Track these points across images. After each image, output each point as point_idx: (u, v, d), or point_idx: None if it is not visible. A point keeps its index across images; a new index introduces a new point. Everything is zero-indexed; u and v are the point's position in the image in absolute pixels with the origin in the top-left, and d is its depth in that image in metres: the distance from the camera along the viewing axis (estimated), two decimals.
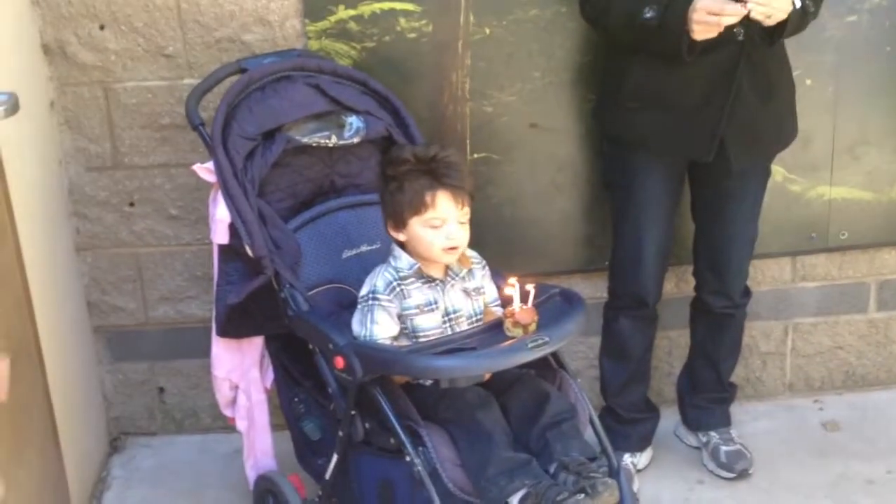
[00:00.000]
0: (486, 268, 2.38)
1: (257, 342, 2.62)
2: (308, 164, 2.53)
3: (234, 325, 2.51)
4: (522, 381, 2.28)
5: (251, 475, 2.73)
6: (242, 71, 2.54)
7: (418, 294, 2.26)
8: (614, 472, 2.23)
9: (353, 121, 2.54)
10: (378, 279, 2.26)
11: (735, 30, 2.44)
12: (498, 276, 2.38)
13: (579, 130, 2.94)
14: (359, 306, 2.27)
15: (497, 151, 2.94)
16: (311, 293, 2.41)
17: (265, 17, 2.81)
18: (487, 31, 2.83)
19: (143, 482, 3.01)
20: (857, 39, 2.92)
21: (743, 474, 2.93)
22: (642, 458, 3.00)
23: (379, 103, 2.60)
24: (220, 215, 2.40)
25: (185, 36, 2.82)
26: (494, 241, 2.86)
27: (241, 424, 2.70)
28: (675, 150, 2.67)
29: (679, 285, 3.12)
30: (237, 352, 2.62)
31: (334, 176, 2.57)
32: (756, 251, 2.88)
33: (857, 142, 3.04)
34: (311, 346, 2.35)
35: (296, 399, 2.55)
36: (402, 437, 2.14)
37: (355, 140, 2.54)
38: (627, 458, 2.93)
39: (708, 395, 3.02)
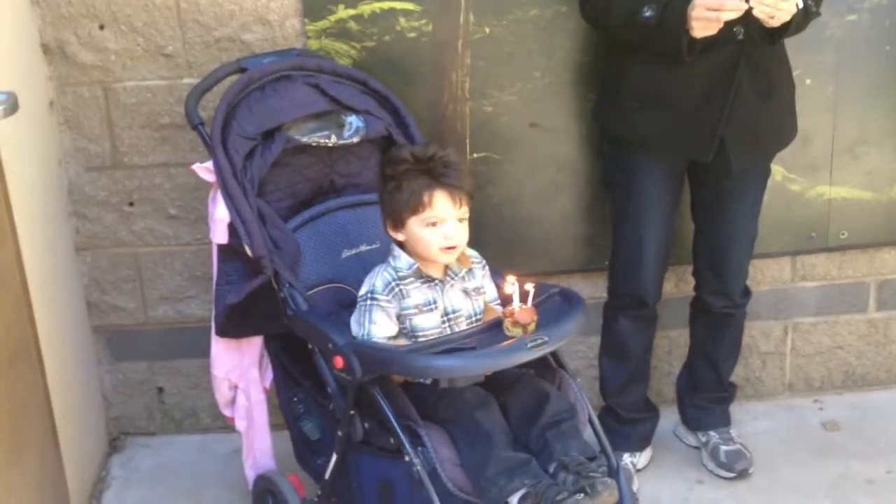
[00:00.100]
0: (486, 267, 2.38)
1: (256, 342, 2.62)
2: (308, 164, 2.53)
3: (234, 324, 2.51)
4: (522, 381, 2.28)
5: (250, 475, 2.73)
6: (242, 70, 2.54)
7: (417, 294, 2.26)
8: (614, 472, 2.23)
9: (353, 120, 2.54)
10: (377, 279, 2.26)
11: (735, 29, 2.44)
12: (498, 275, 2.38)
13: (579, 130, 2.94)
14: (357, 306, 2.27)
15: (497, 151, 2.94)
16: (310, 293, 2.41)
17: (265, 16, 2.81)
18: (487, 30, 2.83)
19: (142, 482, 3.01)
20: (858, 39, 2.92)
21: (742, 474, 2.93)
22: (642, 458, 2.99)
23: (379, 103, 2.60)
24: (220, 215, 2.40)
25: (184, 35, 2.82)
26: (494, 241, 2.86)
27: (240, 424, 2.70)
28: (675, 150, 2.67)
29: (679, 285, 3.12)
30: (236, 351, 2.62)
31: (334, 175, 2.57)
32: (756, 251, 2.88)
33: (857, 141, 3.04)
34: (310, 346, 2.35)
35: (295, 399, 2.55)
36: (402, 436, 2.14)
37: (355, 140, 2.54)
38: (627, 458, 2.93)
39: (708, 394, 3.02)
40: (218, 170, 2.39)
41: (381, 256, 2.34)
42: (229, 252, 2.45)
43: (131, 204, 2.97)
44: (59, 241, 2.87)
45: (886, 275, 3.23)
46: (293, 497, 2.54)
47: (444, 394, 2.21)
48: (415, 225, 2.23)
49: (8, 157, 2.33)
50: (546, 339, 2.08)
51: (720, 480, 2.94)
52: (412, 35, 2.82)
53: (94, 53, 2.82)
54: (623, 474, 2.27)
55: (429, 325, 2.26)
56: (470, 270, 2.33)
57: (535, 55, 2.87)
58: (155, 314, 3.09)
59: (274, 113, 2.44)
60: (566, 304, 2.26)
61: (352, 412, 2.24)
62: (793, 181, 3.04)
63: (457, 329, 2.28)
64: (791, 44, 2.62)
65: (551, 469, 2.11)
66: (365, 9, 2.78)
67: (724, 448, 2.97)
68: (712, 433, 3.01)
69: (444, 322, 2.28)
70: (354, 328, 2.26)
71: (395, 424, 2.15)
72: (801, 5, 2.39)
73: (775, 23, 2.39)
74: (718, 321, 2.91)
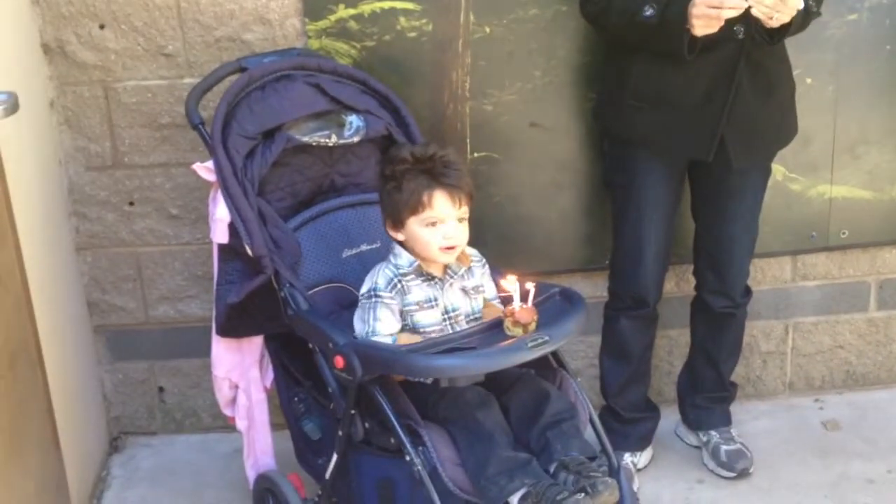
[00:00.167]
0: (486, 266, 2.38)
1: (257, 341, 2.62)
2: (308, 164, 2.53)
3: (234, 324, 2.51)
4: (522, 381, 2.27)
5: (251, 474, 2.73)
6: (242, 70, 2.54)
7: (418, 291, 2.26)
8: (614, 472, 2.23)
9: (354, 120, 2.54)
10: (379, 276, 2.26)
11: (735, 28, 2.44)
12: (498, 274, 2.37)
13: (580, 129, 2.94)
14: (360, 304, 2.27)
15: (497, 150, 2.94)
16: (310, 292, 2.41)
17: (265, 15, 2.81)
18: (488, 29, 2.83)
19: (142, 482, 3.01)
20: (858, 38, 2.92)
21: (743, 473, 2.93)
22: (642, 458, 2.99)
23: (379, 102, 2.60)
24: (220, 214, 2.40)
25: (184, 35, 2.82)
26: (495, 241, 2.86)
27: (240, 424, 2.70)
28: (676, 150, 2.67)
29: (679, 284, 3.12)
30: (237, 351, 2.62)
31: (334, 175, 2.57)
32: (756, 250, 2.88)
33: (857, 141, 3.03)
34: (310, 346, 2.35)
35: (295, 398, 2.55)
36: (402, 436, 2.14)
37: (355, 139, 2.54)
38: (627, 458, 2.93)
39: (708, 394, 3.02)
40: (218, 169, 2.39)
41: (382, 256, 2.34)
42: (230, 252, 2.45)
43: (132, 203, 2.97)
44: (60, 240, 2.87)
45: (887, 274, 3.23)
46: (294, 497, 2.54)
47: (445, 393, 2.21)
48: (414, 225, 2.23)
49: (8, 156, 2.33)
50: (547, 338, 2.08)
51: (721, 480, 2.94)
52: (412, 34, 2.82)
53: (94, 53, 2.82)
54: (624, 474, 2.27)
55: (429, 321, 2.26)
56: (469, 269, 2.34)
57: (535, 55, 2.87)
58: (155, 314, 3.09)
59: (274, 112, 2.44)
60: (567, 303, 2.26)
61: (352, 412, 2.24)
62: (793, 180, 3.04)
63: (457, 328, 2.28)
64: (791, 43, 2.62)
65: (552, 469, 2.11)
66: (365, 8, 2.78)
67: (724, 448, 2.96)
68: (713, 433, 3.01)
69: (444, 319, 2.28)
70: (358, 327, 2.26)
71: (396, 424, 2.15)
72: (801, 6, 2.39)
73: (775, 23, 2.39)
74: (719, 321, 2.91)
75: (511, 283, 2.14)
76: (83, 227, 2.98)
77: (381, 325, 2.23)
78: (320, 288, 2.45)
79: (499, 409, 2.21)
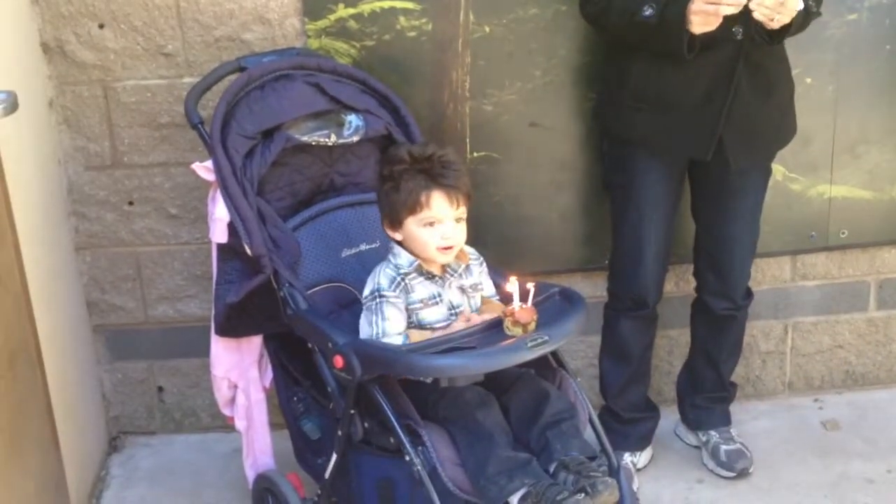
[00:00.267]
0: (484, 264, 2.38)
1: (256, 341, 2.62)
2: (307, 163, 2.53)
3: (233, 324, 2.51)
4: (522, 381, 2.27)
5: (250, 474, 2.72)
6: (242, 69, 2.54)
7: (421, 288, 2.26)
8: (614, 472, 2.22)
9: (353, 119, 2.54)
10: (381, 277, 2.25)
11: (734, 29, 2.44)
12: (497, 274, 2.38)
13: (579, 129, 2.94)
14: (365, 307, 2.26)
15: (497, 150, 2.94)
16: (310, 292, 2.40)
17: (264, 15, 2.81)
18: (487, 29, 2.83)
19: (142, 481, 3.01)
20: (858, 38, 2.92)
21: (743, 473, 2.93)
22: (642, 458, 2.99)
23: (379, 102, 2.60)
24: (219, 214, 2.40)
25: (184, 35, 2.81)
26: (494, 240, 2.87)
27: (240, 424, 2.70)
28: (675, 150, 2.67)
29: (679, 284, 3.11)
30: (236, 351, 2.61)
31: (334, 175, 2.57)
32: (756, 250, 2.87)
33: (857, 140, 3.03)
34: (310, 345, 2.35)
35: (295, 398, 2.55)
36: (402, 436, 2.13)
37: (355, 139, 2.53)
38: (627, 458, 2.93)
39: (708, 394, 3.02)
40: (217, 169, 2.38)
41: (381, 255, 2.34)
42: (229, 251, 2.45)
43: (131, 203, 2.97)
44: (59, 240, 2.87)
45: (886, 274, 3.23)
46: (293, 496, 2.54)
47: (445, 393, 2.21)
48: (412, 225, 2.23)
49: (7, 156, 2.33)
50: (546, 338, 2.08)
51: (720, 480, 2.94)
52: (412, 34, 2.81)
53: (93, 52, 2.81)
54: (623, 474, 2.26)
55: (435, 317, 2.26)
56: (468, 267, 2.33)
57: (535, 54, 2.86)
58: (154, 313, 3.08)
59: (274, 112, 2.44)
60: (566, 303, 2.25)
61: (352, 411, 2.24)
62: (793, 180, 3.04)
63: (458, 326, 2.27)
64: (791, 43, 2.62)
65: (552, 469, 2.11)
66: (365, 8, 2.78)
67: (724, 447, 2.96)
68: (712, 432, 3.01)
69: (451, 315, 2.28)
70: (366, 330, 2.25)
71: (396, 424, 2.15)
72: (801, 7, 2.39)
73: (776, 25, 2.39)
74: (720, 323, 2.91)
75: (511, 284, 2.14)
76: (82, 226, 2.98)
77: (389, 324, 2.22)
78: (319, 287, 2.45)
79: (498, 408, 2.20)
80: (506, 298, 2.21)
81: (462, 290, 2.32)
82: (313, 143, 2.49)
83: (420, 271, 2.27)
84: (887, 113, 3.03)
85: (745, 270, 2.85)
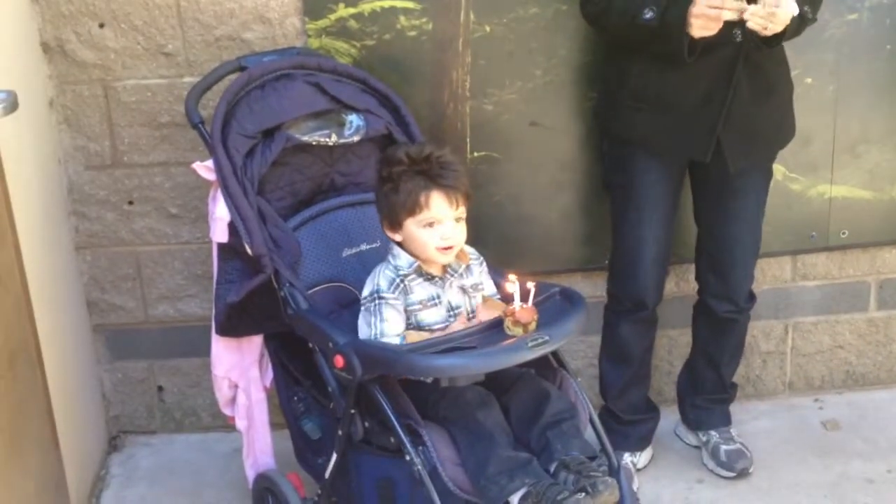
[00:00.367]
0: (484, 263, 2.38)
1: (257, 341, 2.62)
2: (308, 163, 2.53)
3: (234, 323, 2.51)
4: (523, 381, 2.27)
5: (250, 474, 2.72)
6: (242, 69, 2.54)
7: (420, 290, 2.26)
8: (614, 471, 2.22)
9: (353, 119, 2.54)
10: (380, 278, 2.25)
11: (734, 31, 2.45)
12: (498, 274, 2.37)
13: (580, 129, 2.94)
14: (363, 308, 2.26)
15: (497, 150, 2.94)
16: (310, 292, 2.40)
17: (265, 14, 2.81)
18: (488, 28, 2.83)
19: (142, 481, 3.01)
20: (858, 38, 2.92)
21: (743, 473, 2.93)
22: (642, 458, 2.99)
23: (379, 101, 2.59)
24: (220, 213, 2.40)
25: (184, 34, 2.81)
26: (495, 240, 2.86)
27: (240, 423, 2.70)
28: (675, 150, 2.67)
29: (679, 284, 3.11)
30: (237, 350, 2.61)
31: (334, 174, 2.57)
32: (758, 253, 2.86)
33: (857, 140, 3.03)
34: (310, 345, 2.35)
35: (295, 398, 2.55)
36: (402, 436, 2.13)
37: (355, 138, 2.53)
38: (627, 457, 2.93)
39: (708, 395, 3.02)
40: (218, 168, 2.38)
41: (382, 255, 2.34)
42: (229, 251, 2.45)
43: (131, 203, 2.97)
44: (59, 239, 2.87)
45: (887, 274, 3.23)
46: (293, 496, 2.54)
47: (445, 393, 2.21)
48: (412, 226, 2.23)
49: (7, 155, 2.33)
50: (547, 338, 2.08)
51: (720, 480, 2.94)
52: (412, 33, 2.81)
53: (93, 52, 2.81)
54: (623, 473, 2.26)
55: (434, 319, 2.26)
56: (468, 267, 2.33)
57: (535, 54, 2.86)
58: (155, 313, 3.08)
59: (274, 111, 2.44)
60: (567, 303, 2.25)
61: (352, 411, 2.24)
62: (793, 180, 3.04)
63: (458, 326, 2.27)
64: (792, 43, 2.62)
65: (552, 468, 2.10)
66: (365, 7, 2.78)
67: (724, 447, 2.96)
68: (713, 432, 3.01)
69: (449, 317, 2.28)
70: (364, 331, 2.25)
71: (396, 424, 2.15)
72: (796, 13, 2.39)
73: (768, 32, 2.39)
74: (722, 325, 2.90)
75: (511, 283, 2.14)
76: (83, 226, 2.98)
77: (387, 325, 2.22)
78: (320, 287, 2.45)
79: (499, 408, 2.20)
80: (506, 298, 2.21)
81: (462, 290, 2.32)
82: (314, 143, 2.49)
83: (419, 272, 2.26)
84: (888, 113, 3.03)
85: (747, 272, 2.85)
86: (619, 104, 2.66)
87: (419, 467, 2.11)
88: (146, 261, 3.03)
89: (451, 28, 2.82)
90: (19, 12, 2.69)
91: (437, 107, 2.88)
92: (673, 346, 3.21)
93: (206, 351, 2.65)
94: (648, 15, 2.44)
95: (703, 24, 2.37)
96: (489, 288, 2.37)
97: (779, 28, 2.38)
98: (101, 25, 2.79)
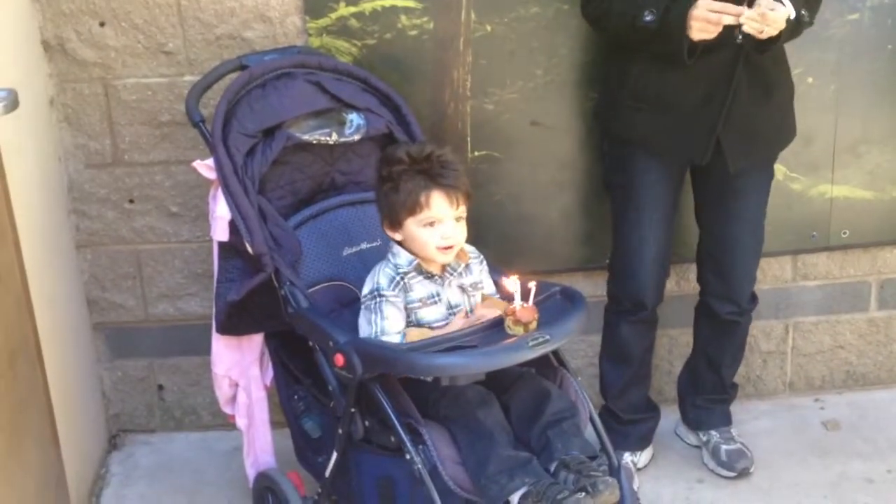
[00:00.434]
0: (484, 262, 2.38)
1: (257, 339, 2.62)
2: (308, 162, 2.53)
3: (234, 322, 2.51)
4: (523, 380, 2.27)
5: (251, 473, 2.72)
6: (243, 68, 2.54)
7: (420, 288, 2.26)
8: (615, 471, 2.22)
9: (354, 118, 2.54)
10: (380, 276, 2.25)
11: (734, 33, 2.44)
12: (499, 273, 2.37)
13: (580, 129, 2.93)
14: (364, 306, 2.27)
15: (498, 149, 2.93)
16: (311, 290, 2.40)
17: (266, 13, 2.81)
18: (489, 28, 2.82)
19: (141, 479, 3.01)
20: (859, 38, 2.92)
21: (743, 473, 2.93)
22: (642, 457, 2.99)
23: (380, 100, 2.59)
24: (221, 212, 2.40)
25: (185, 33, 2.81)
26: (495, 239, 2.86)
27: (240, 422, 2.70)
28: (674, 151, 2.67)
29: (679, 284, 3.11)
30: (237, 349, 2.61)
31: (335, 173, 2.57)
32: (760, 254, 2.86)
33: (858, 140, 3.03)
34: (311, 344, 2.35)
35: (295, 396, 2.55)
36: (402, 435, 2.13)
37: (356, 137, 2.53)
38: (628, 457, 2.93)
39: (709, 395, 3.02)
40: (219, 167, 2.38)
41: (382, 254, 2.34)
42: (230, 250, 2.45)
43: (131, 201, 2.97)
44: (60, 238, 2.87)
45: (888, 274, 3.23)
46: (293, 495, 2.54)
47: (446, 392, 2.21)
48: (412, 225, 2.23)
49: (8, 154, 2.33)
50: (547, 337, 2.08)
51: (721, 479, 2.94)
52: (413, 33, 2.81)
53: (94, 50, 2.81)
54: (624, 473, 2.26)
55: (434, 317, 2.26)
56: (468, 266, 2.33)
57: (536, 53, 2.86)
58: (155, 311, 3.08)
59: (275, 110, 2.44)
60: (567, 302, 2.25)
61: (352, 410, 2.24)
62: (794, 180, 3.04)
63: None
64: (793, 43, 2.61)
65: (552, 468, 2.10)
66: (366, 6, 2.78)
67: (724, 447, 2.96)
68: (713, 432, 3.01)
69: (449, 315, 2.28)
70: (365, 329, 2.25)
71: (396, 422, 2.15)
72: (792, 16, 2.39)
73: (763, 36, 2.39)
74: (724, 327, 2.90)
75: (512, 283, 2.13)
76: (83, 224, 2.98)
77: (388, 323, 2.22)
78: (321, 286, 2.45)
79: (499, 407, 2.20)
80: (507, 297, 2.21)
81: (462, 288, 2.32)
82: (314, 142, 2.49)
83: (419, 270, 2.27)
84: (889, 113, 3.03)
85: (749, 273, 2.84)
86: (619, 104, 2.66)
87: (419, 466, 2.11)
88: (146, 259, 3.03)
89: (452, 27, 2.82)
90: (20, 11, 2.69)
91: (438, 106, 2.88)
92: (673, 345, 3.21)
93: (206, 349, 2.65)
94: (648, 17, 2.44)
95: (702, 27, 2.38)
96: (489, 287, 2.37)
97: (774, 32, 2.38)
98: (102, 24, 2.79)
